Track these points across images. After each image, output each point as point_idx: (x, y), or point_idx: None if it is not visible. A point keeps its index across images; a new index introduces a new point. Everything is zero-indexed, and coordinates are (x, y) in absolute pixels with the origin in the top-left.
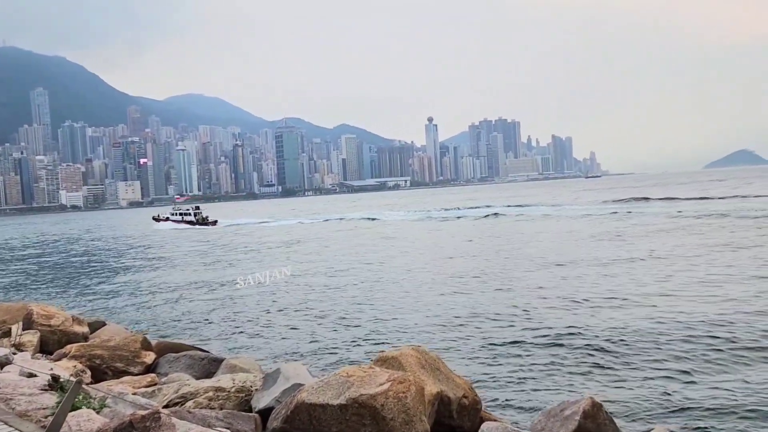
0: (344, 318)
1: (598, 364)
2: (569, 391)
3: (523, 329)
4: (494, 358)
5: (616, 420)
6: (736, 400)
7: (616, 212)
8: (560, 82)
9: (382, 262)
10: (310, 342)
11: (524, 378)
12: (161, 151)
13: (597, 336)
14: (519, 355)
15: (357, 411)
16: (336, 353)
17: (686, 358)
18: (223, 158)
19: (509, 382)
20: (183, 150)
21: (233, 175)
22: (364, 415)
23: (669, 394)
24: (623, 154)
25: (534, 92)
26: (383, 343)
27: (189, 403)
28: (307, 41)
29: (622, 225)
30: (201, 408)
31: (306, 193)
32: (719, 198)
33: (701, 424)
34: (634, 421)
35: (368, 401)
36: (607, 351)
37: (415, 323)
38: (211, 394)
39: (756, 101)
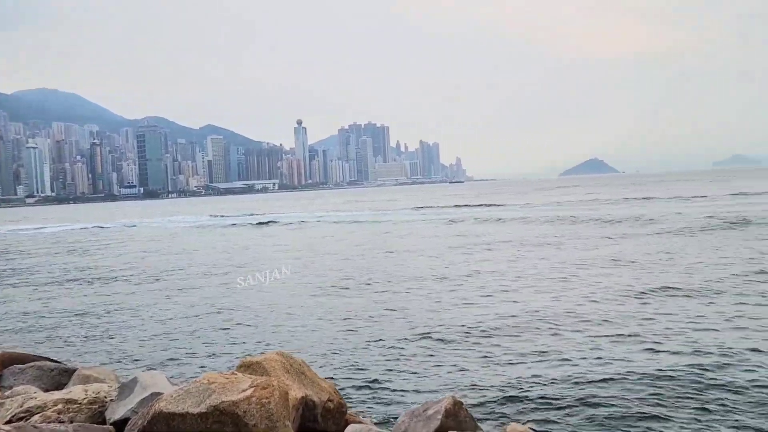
0: (208, 324)
1: (461, 363)
2: (433, 390)
3: (388, 332)
4: (360, 360)
5: (476, 417)
6: (593, 394)
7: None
8: (429, 89)
9: (239, 266)
10: (171, 349)
11: (390, 379)
12: (8, 148)
13: (459, 336)
14: (385, 357)
15: (218, 419)
16: (198, 360)
17: (544, 353)
18: (79, 157)
19: (375, 385)
20: (34, 148)
21: (90, 176)
22: (225, 423)
23: (527, 391)
24: (487, 160)
25: (403, 98)
26: (249, 349)
27: (35, 417)
28: (171, 37)
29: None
30: (49, 422)
31: (170, 195)
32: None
33: (555, 417)
34: (492, 417)
35: (230, 408)
36: (469, 350)
37: (281, 328)
38: (60, 406)
39: (607, 113)
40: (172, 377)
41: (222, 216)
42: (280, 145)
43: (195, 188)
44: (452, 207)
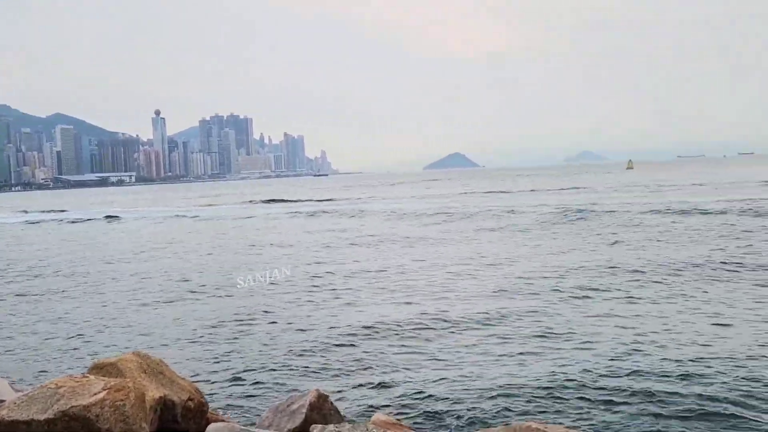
0: (54, 327)
1: (326, 357)
2: (298, 385)
3: (251, 328)
4: (223, 358)
5: (341, 409)
6: (454, 387)
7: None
8: (293, 80)
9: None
10: (15, 352)
11: (254, 376)
12: None
13: (324, 331)
14: (249, 354)
15: (67, 425)
16: (47, 363)
17: (409, 346)
18: None
19: (239, 382)
20: None
21: None
22: (76, 429)
23: (392, 382)
24: (352, 153)
25: (267, 90)
26: (101, 351)
27: None
28: (19, 22)
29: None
30: None
31: (13, 188)
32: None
33: (420, 406)
34: (358, 408)
35: (81, 413)
36: (335, 344)
37: (138, 328)
38: None
39: (468, 109)
40: (14, 383)
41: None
42: (137, 136)
43: (42, 181)
44: (318, 201)
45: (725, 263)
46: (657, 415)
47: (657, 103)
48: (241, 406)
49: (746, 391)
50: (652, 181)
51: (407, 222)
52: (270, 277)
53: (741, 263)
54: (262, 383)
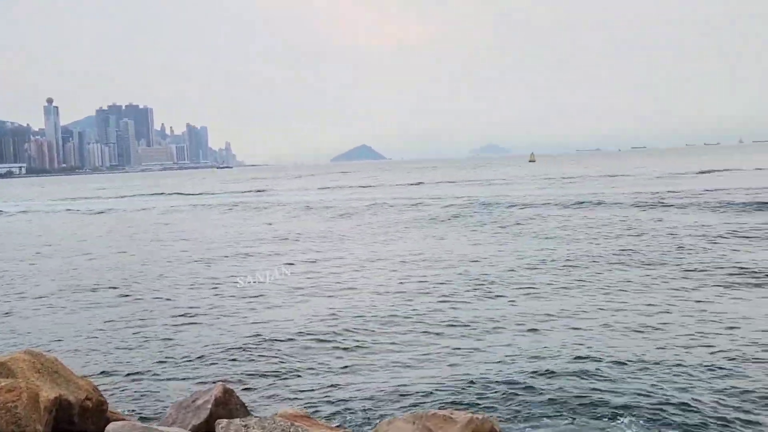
0: None
1: (232, 351)
2: (203, 380)
3: (154, 323)
4: (123, 355)
5: (248, 403)
6: (355, 379)
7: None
8: (196, 71)
9: None
10: None
11: (157, 372)
12: None
13: (230, 324)
14: (151, 350)
15: None
16: None
17: (316, 336)
18: None
19: (141, 378)
20: None
21: None
22: None
23: (299, 375)
24: (259, 145)
25: (169, 79)
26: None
27: None
28: None
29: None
30: None
31: None
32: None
33: (327, 398)
34: (265, 402)
35: None
36: (241, 337)
37: (31, 326)
38: None
39: (375, 101)
40: None
41: None
42: (27, 125)
43: None
44: (228, 193)
45: (619, 254)
46: (555, 401)
47: (558, 99)
48: (143, 404)
49: (630, 372)
50: (554, 173)
51: (315, 216)
52: (173, 273)
53: (633, 252)
54: (166, 380)
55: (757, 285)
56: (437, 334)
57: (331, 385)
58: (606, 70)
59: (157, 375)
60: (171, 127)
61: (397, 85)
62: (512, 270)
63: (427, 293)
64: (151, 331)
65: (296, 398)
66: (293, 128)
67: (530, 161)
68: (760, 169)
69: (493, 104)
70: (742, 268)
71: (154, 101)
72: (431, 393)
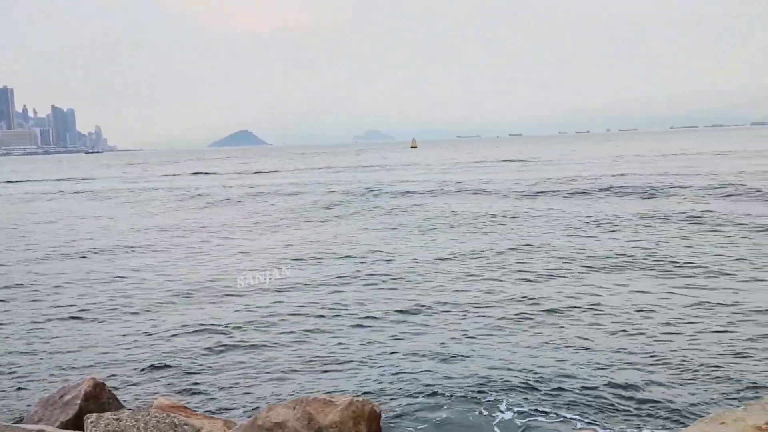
0: None
1: (104, 341)
2: (72, 372)
3: (13, 314)
4: None
5: (121, 395)
6: (253, 368)
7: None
8: (61, 48)
9: None
10: None
11: (21, 369)
12: None
13: (104, 312)
14: (11, 345)
15: None
16: None
17: (189, 325)
18: None
19: (2, 376)
20: None
21: None
22: None
23: (175, 367)
24: (132, 129)
25: (32, 58)
26: None
27: None
28: None
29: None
30: None
31: None
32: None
33: (211, 389)
34: (139, 394)
35: None
36: (114, 325)
37: None
38: None
39: (255, 86)
40: None
41: None
42: None
43: None
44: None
45: (493, 246)
46: (435, 386)
47: (439, 85)
48: (6, 402)
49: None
50: (434, 160)
51: (193, 204)
52: (34, 268)
53: (510, 241)
54: (30, 376)
55: (618, 267)
56: (322, 323)
57: (211, 376)
58: (488, 59)
59: (22, 371)
60: (34, 109)
61: (278, 71)
62: (393, 259)
63: (311, 284)
64: (12, 325)
65: (174, 390)
66: (169, 113)
67: (412, 147)
68: (619, 156)
69: (376, 91)
70: (618, 254)
71: (16, 81)
72: (315, 381)
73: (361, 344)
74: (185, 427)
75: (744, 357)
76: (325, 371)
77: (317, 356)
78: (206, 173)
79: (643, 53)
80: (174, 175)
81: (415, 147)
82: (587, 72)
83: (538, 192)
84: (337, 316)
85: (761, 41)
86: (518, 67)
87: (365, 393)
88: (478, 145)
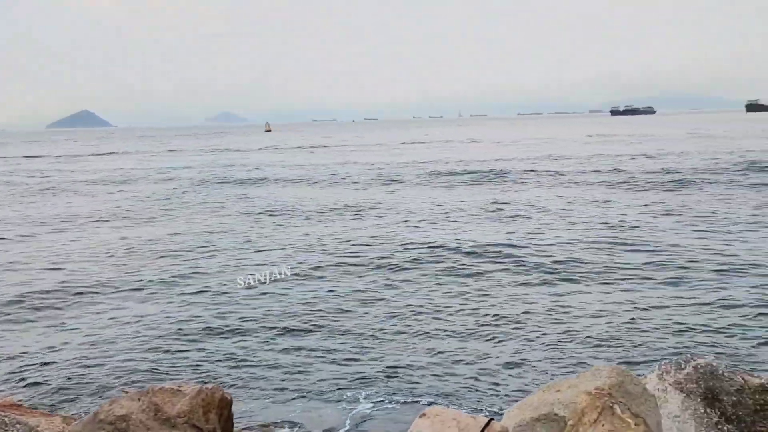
0: None
1: None
2: None
3: None
4: None
5: None
6: (97, 364)
7: None
8: None
9: None
10: None
11: None
12: None
13: None
14: None
15: None
16: None
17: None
18: None
19: None
20: None
21: None
22: None
23: (10, 365)
24: None
25: None
26: None
27: None
28: None
29: None
30: None
31: None
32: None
33: (51, 385)
34: None
35: None
36: None
37: None
38: None
39: (99, 63)
40: None
41: None
42: None
43: None
44: None
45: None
46: (291, 373)
47: (296, 70)
48: None
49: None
50: (291, 142)
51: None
52: None
53: (366, 228)
54: None
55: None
56: (162, 312)
57: (48, 371)
58: (345, 45)
59: None
60: None
61: (123, 47)
62: (227, 250)
63: (144, 269)
64: None
65: (9, 388)
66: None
67: (266, 131)
68: (476, 141)
69: (229, 72)
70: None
71: None
72: (165, 372)
73: (207, 333)
74: (17, 426)
75: (575, 338)
76: (176, 362)
77: (166, 345)
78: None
79: (493, 43)
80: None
81: (270, 130)
82: (440, 60)
83: (392, 180)
84: (183, 303)
85: (599, 35)
86: (374, 54)
87: (219, 382)
88: (332, 130)
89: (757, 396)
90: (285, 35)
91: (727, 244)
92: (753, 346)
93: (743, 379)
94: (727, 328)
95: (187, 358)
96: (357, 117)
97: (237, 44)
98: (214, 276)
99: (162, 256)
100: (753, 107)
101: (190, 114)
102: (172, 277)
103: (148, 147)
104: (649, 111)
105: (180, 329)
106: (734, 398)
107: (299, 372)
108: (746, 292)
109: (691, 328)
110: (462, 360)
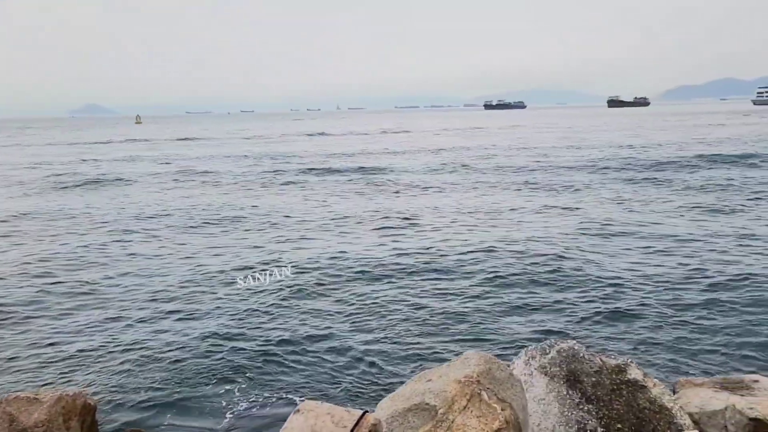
0: None
1: None
2: None
3: None
4: None
5: None
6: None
7: None
8: None
9: None
10: None
11: None
12: None
13: None
14: None
15: None
16: None
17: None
18: None
19: None
20: None
21: None
22: None
23: None
24: None
25: None
26: None
27: None
28: None
29: None
30: None
31: None
32: None
33: None
34: None
35: None
36: None
37: None
38: None
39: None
40: None
41: None
42: None
43: None
44: None
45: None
46: (164, 374)
47: (168, 61)
48: None
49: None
50: (165, 135)
51: None
52: None
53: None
54: None
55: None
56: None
57: None
58: (222, 38)
59: None
60: None
61: None
62: (105, 244)
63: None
64: None
65: None
66: None
67: (137, 123)
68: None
69: (95, 64)
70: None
71: None
72: (25, 379)
73: (74, 338)
74: None
75: (447, 326)
76: (42, 366)
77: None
78: None
79: (372, 36)
80: None
81: (140, 123)
82: (318, 52)
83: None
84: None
85: (473, 31)
86: (250, 46)
87: (88, 386)
88: (211, 121)
89: (614, 376)
90: (156, 25)
91: (584, 234)
92: (610, 328)
93: (602, 360)
94: (588, 312)
95: (57, 365)
96: (232, 109)
97: (106, 33)
98: None
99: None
100: (614, 103)
101: (52, 105)
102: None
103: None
104: (520, 105)
105: (47, 334)
106: (594, 379)
107: (168, 370)
108: (604, 280)
109: (556, 313)
110: (337, 354)
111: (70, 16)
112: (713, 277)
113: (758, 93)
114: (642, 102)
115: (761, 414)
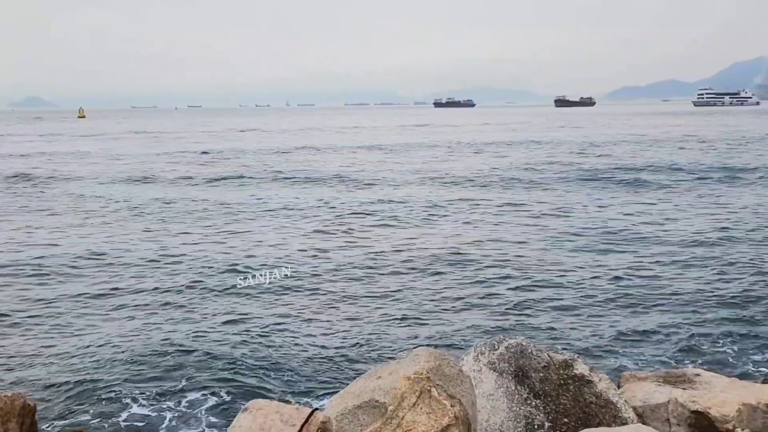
0: None
1: None
2: None
3: None
4: None
5: None
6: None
7: None
8: None
9: None
10: None
11: None
12: None
13: None
14: None
15: None
16: None
17: None
18: None
19: None
20: None
21: None
22: None
23: None
24: None
25: None
26: None
27: None
28: None
29: None
30: None
31: None
32: None
33: None
34: None
35: None
36: None
37: None
38: None
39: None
40: None
41: None
42: None
43: None
44: None
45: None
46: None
47: (113, 53)
48: None
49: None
50: (110, 130)
51: None
52: None
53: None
54: None
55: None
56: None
57: None
58: (170, 30)
59: None
60: None
61: None
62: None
63: None
64: None
65: None
66: None
67: (80, 117)
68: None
69: (37, 55)
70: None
71: None
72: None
73: (18, 338)
74: None
75: (397, 323)
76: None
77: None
78: None
79: (318, 32)
80: None
81: (83, 117)
82: (267, 46)
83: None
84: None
85: (424, 28)
86: (199, 38)
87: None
88: (156, 115)
89: (561, 371)
90: (101, 14)
91: (525, 232)
92: (558, 324)
93: (549, 356)
94: (536, 309)
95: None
96: (180, 104)
97: (47, 22)
98: None
99: None
100: (561, 102)
101: None
102: None
103: None
104: (469, 104)
105: None
106: (541, 374)
107: (113, 371)
108: (550, 277)
109: (505, 310)
110: (286, 352)
111: (11, 5)
112: (654, 271)
113: (698, 95)
114: (588, 102)
115: (702, 407)
